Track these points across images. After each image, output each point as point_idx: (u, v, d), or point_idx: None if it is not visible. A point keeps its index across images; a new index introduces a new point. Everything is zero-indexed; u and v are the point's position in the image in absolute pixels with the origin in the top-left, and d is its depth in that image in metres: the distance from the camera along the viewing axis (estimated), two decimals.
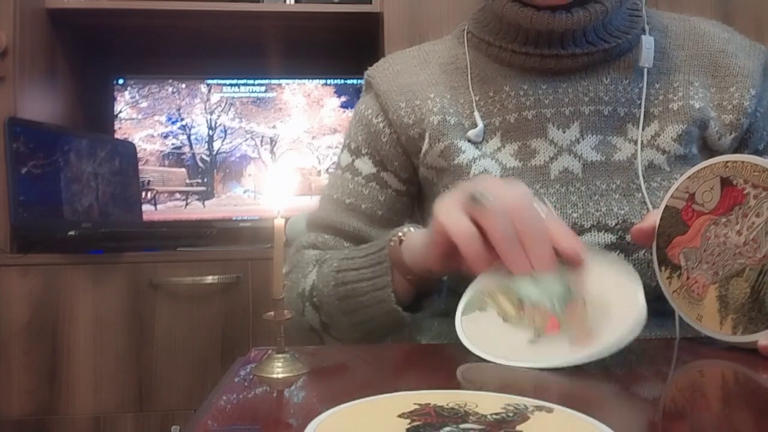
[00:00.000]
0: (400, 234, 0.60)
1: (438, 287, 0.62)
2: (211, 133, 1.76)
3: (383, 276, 0.60)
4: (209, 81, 1.76)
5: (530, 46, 0.69)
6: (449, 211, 0.50)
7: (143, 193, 1.71)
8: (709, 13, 0.77)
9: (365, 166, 0.76)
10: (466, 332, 0.47)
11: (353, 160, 0.77)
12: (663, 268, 0.50)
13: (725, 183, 0.47)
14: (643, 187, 0.65)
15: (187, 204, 1.74)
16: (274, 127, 1.77)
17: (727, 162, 0.47)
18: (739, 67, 0.70)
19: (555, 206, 0.66)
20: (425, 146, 0.71)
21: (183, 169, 1.75)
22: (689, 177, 0.49)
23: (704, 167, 0.48)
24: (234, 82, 1.77)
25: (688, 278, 0.49)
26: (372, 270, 0.61)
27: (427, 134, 0.71)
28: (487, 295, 0.48)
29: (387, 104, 0.74)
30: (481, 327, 0.47)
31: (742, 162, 0.46)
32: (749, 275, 0.45)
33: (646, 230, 0.51)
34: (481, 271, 0.49)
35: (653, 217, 0.51)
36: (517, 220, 0.47)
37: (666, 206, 0.51)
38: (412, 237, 0.58)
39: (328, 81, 1.78)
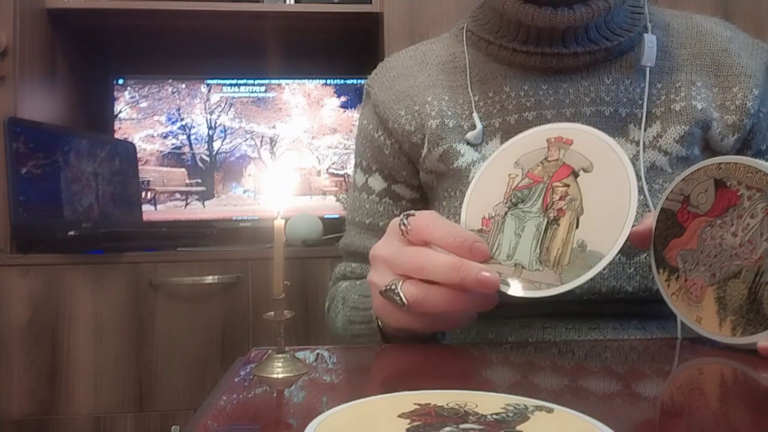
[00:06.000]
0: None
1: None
2: (211, 133, 1.76)
3: (376, 335, 0.61)
4: (209, 81, 1.76)
5: (531, 44, 0.68)
6: (388, 314, 0.51)
7: (143, 193, 1.71)
8: (709, 13, 0.77)
9: (377, 182, 0.76)
10: (607, 249, 0.46)
11: (366, 179, 0.77)
12: (661, 271, 0.50)
13: (719, 184, 0.47)
14: (645, 189, 0.65)
15: (187, 204, 1.74)
16: (274, 127, 1.77)
17: (720, 163, 0.47)
18: (741, 66, 0.69)
19: None
20: (424, 151, 0.71)
21: (183, 169, 1.75)
22: (683, 179, 0.50)
23: (698, 169, 0.49)
24: (234, 82, 1.77)
25: (686, 280, 0.49)
26: (367, 327, 0.62)
27: (426, 138, 0.71)
28: (559, 261, 0.47)
29: (386, 114, 0.74)
30: (596, 234, 0.46)
31: (735, 163, 0.46)
32: (746, 276, 0.45)
33: (642, 233, 0.51)
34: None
35: (649, 220, 0.51)
36: (430, 243, 0.48)
37: (662, 209, 0.51)
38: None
39: (328, 81, 1.79)
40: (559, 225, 0.48)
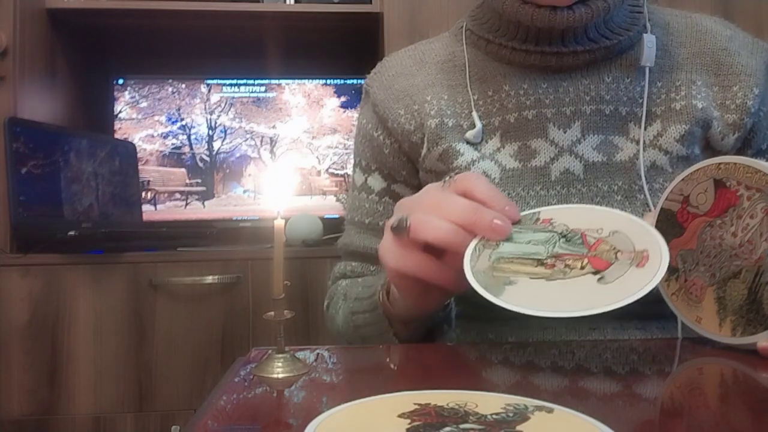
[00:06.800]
0: (385, 287, 0.60)
1: (446, 318, 0.62)
2: (211, 133, 1.76)
3: (381, 322, 0.60)
4: (209, 81, 1.76)
5: (530, 43, 0.68)
6: (392, 252, 0.50)
7: (143, 193, 1.71)
8: (709, 12, 0.77)
9: (376, 182, 0.76)
10: (521, 304, 0.42)
11: (366, 179, 0.77)
12: None
13: (719, 185, 0.47)
14: (645, 188, 0.65)
15: (187, 204, 1.74)
16: (274, 127, 1.77)
17: (720, 164, 0.47)
18: (741, 65, 0.69)
19: None
20: (424, 150, 0.71)
21: (183, 169, 1.75)
22: (683, 179, 0.50)
23: (697, 169, 0.49)
24: (234, 82, 1.77)
25: (686, 280, 0.49)
26: (372, 315, 0.62)
27: (425, 138, 0.71)
28: (500, 271, 0.45)
29: (385, 113, 0.74)
30: (531, 294, 0.43)
31: (735, 163, 0.46)
32: (746, 277, 0.45)
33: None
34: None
35: (649, 220, 0.51)
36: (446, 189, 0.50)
37: (662, 209, 0.51)
38: (393, 290, 0.58)
39: (328, 81, 1.79)
40: (535, 267, 0.45)
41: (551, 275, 0.44)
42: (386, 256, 0.51)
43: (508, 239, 0.47)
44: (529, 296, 0.43)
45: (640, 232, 0.47)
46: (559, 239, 0.47)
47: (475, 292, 0.44)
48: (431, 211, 0.49)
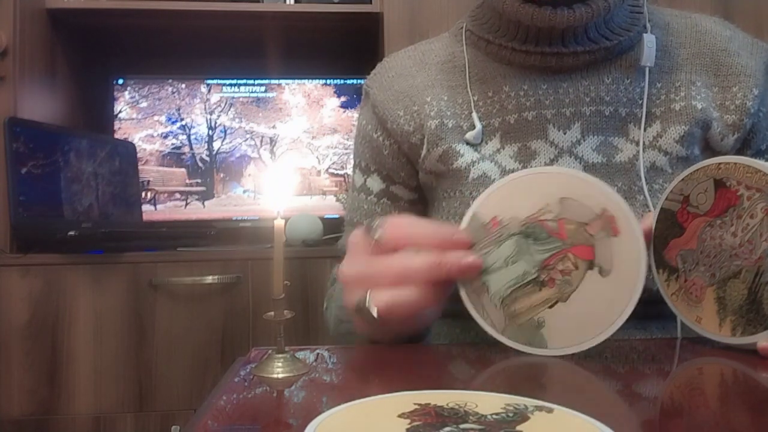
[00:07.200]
0: None
1: (426, 324, 0.62)
2: (210, 133, 1.76)
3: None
4: (209, 81, 1.76)
5: (530, 43, 0.68)
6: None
7: (143, 193, 1.71)
8: (709, 13, 0.77)
9: (375, 183, 0.76)
10: (572, 342, 0.45)
11: (365, 180, 0.77)
12: (661, 271, 0.50)
13: (719, 185, 0.47)
14: (645, 189, 0.65)
15: (187, 204, 1.74)
16: (274, 127, 1.77)
17: (720, 164, 0.47)
18: (741, 66, 0.69)
19: None
20: (424, 151, 0.71)
21: (183, 169, 1.75)
22: (683, 179, 0.50)
23: (697, 169, 0.49)
24: (234, 82, 1.77)
25: (686, 280, 0.49)
26: (353, 324, 0.62)
27: (425, 139, 0.71)
28: (517, 316, 0.46)
29: (385, 114, 0.74)
30: (566, 326, 0.45)
31: (735, 163, 0.46)
32: (746, 277, 0.45)
33: (643, 233, 0.51)
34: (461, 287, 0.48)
35: (649, 220, 0.51)
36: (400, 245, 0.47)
37: (661, 209, 0.51)
38: None
39: (328, 81, 1.79)
40: (540, 291, 0.46)
41: (561, 293, 0.46)
42: (367, 335, 0.52)
43: (486, 270, 0.47)
44: (568, 328, 0.45)
45: (578, 185, 0.47)
46: (526, 241, 0.47)
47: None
48: (395, 283, 0.46)
